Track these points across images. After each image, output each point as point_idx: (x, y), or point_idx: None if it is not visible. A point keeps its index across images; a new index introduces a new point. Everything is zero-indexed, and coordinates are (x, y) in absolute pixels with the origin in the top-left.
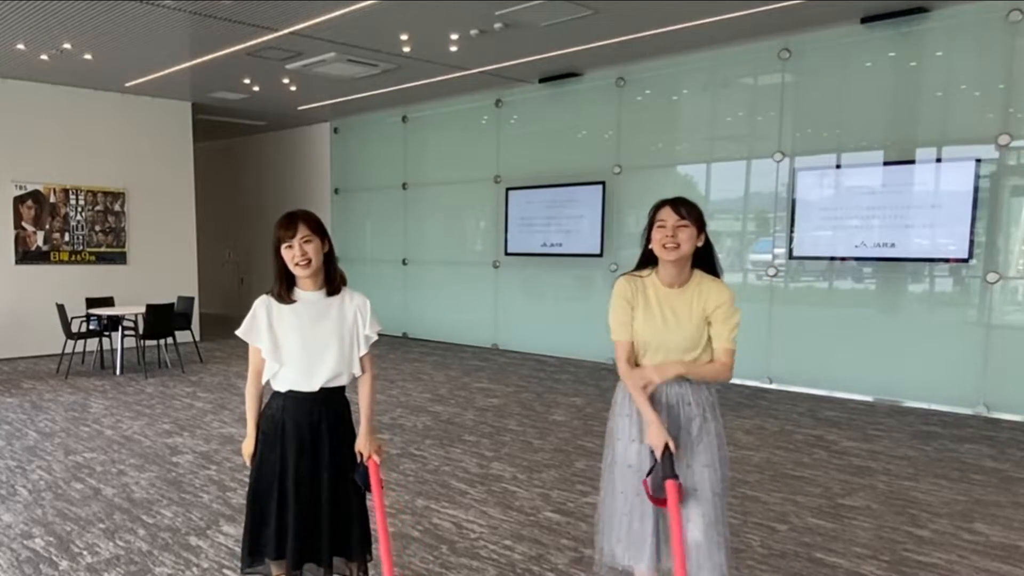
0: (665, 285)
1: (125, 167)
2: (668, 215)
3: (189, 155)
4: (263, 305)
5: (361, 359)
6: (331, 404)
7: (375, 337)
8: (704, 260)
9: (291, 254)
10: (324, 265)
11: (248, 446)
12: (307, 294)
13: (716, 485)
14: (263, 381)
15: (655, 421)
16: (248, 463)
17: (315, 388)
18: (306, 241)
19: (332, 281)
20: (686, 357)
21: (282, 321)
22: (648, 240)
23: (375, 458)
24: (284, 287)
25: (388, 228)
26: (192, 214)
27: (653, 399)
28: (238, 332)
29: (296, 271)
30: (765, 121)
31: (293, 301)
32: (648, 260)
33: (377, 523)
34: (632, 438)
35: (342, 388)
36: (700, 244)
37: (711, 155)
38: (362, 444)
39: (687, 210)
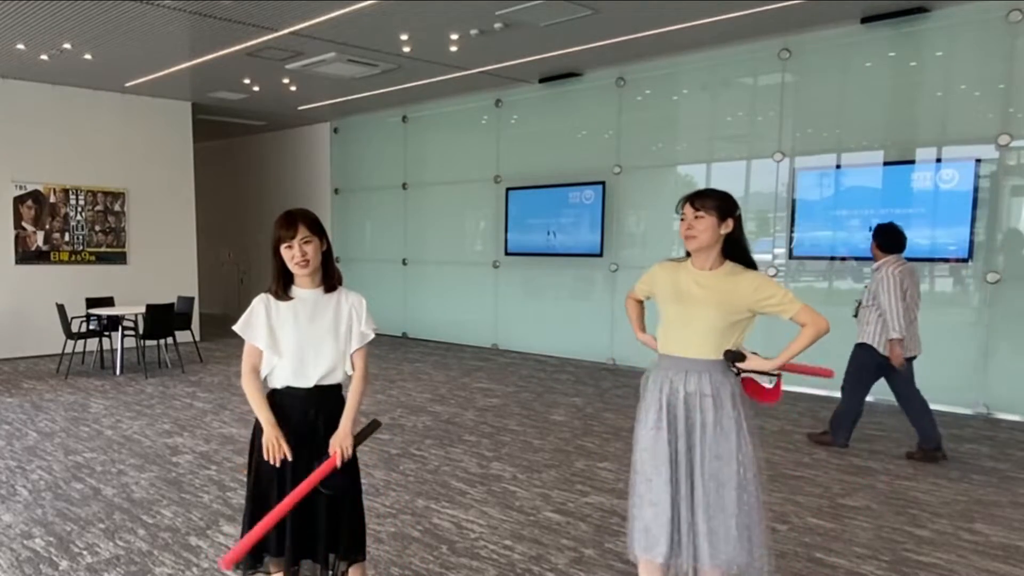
0: (696, 268)
1: (125, 167)
2: (687, 209)
3: (189, 155)
4: (262, 303)
5: (353, 355)
6: (327, 401)
7: (371, 335)
8: (737, 249)
9: (291, 254)
10: (322, 264)
11: (271, 433)
12: (304, 292)
13: (728, 478)
14: (262, 376)
15: None
16: (287, 450)
17: (310, 384)
18: (306, 242)
19: (329, 278)
20: (708, 339)
21: (280, 318)
22: None
23: (339, 455)
24: (281, 285)
25: (388, 228)
26: (192, 214)
27: (672, 390)
28: (235, 327)
29: (295, 270)
30: (765, 121)
31: (291, 299)
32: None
33: (278, 507)
34: (648, 425)
35: (338, 386)
36: (727, 231)
37: (711, 155)
38: (337, 438)
39: (702, 202)
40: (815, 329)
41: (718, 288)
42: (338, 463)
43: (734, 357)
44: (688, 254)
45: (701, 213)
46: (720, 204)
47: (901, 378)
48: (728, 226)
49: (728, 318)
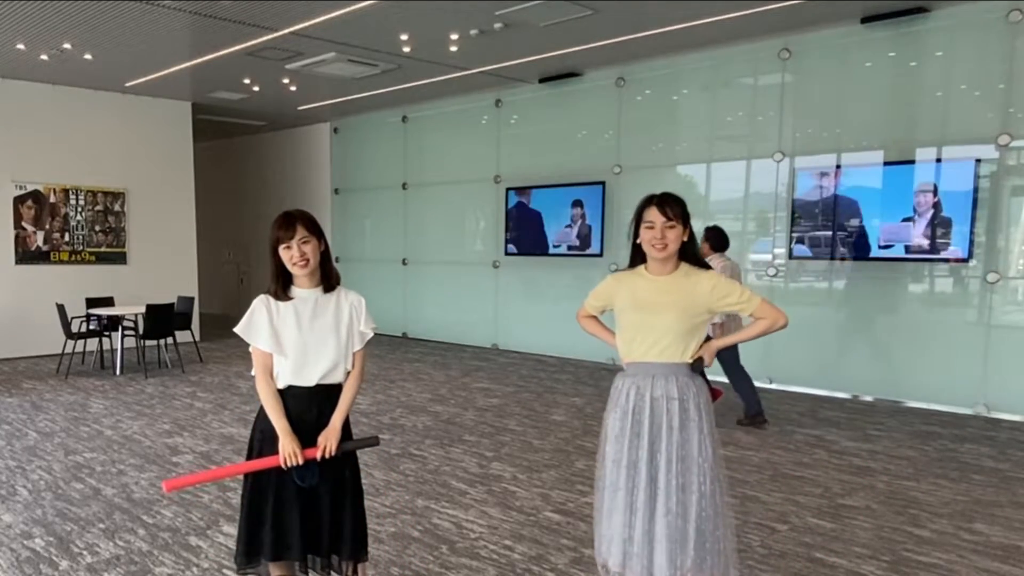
0: (652, 274)
1: (125, 167)
2: (656, 216)
3: (189, 155)
4: (263, 304)
5: (353, 354)
6: (328, 400)
7: (371, 334)
8: (688, 252)
9: (290, 255)
10: (320, 264)
11: (289, 446)
12: (304, 292)
13: (689, 482)
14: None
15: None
16: (300, 461)
17: (312, 383)
18: (304, 242)
19: (328, 278)
20: (673, 342)
21: (282, 318)
22: (636, 235)
23: (322, 449)
24: (281, 286)
25: (388, 228)
26: (192, 214)
27: (639, 395)
28: (236, 329)
29: (294, 270)
30: (765, 121)
31: (290, 299)
32: (638, 255)
33: (209, 473)
34: (616, 434)
35: (339, 385)
36: (686, 239)
37: (711, 155)
38: (324, 433)
39: (673, 210)
40: (770, 323)
41: (678, 291)
42: (317, 456)
43: (698, 364)
44: (634, 263)
45: (672, 222)
46: (685, 212)
47: (730, 356)
48: (687, 234)
49: (690, 320)
